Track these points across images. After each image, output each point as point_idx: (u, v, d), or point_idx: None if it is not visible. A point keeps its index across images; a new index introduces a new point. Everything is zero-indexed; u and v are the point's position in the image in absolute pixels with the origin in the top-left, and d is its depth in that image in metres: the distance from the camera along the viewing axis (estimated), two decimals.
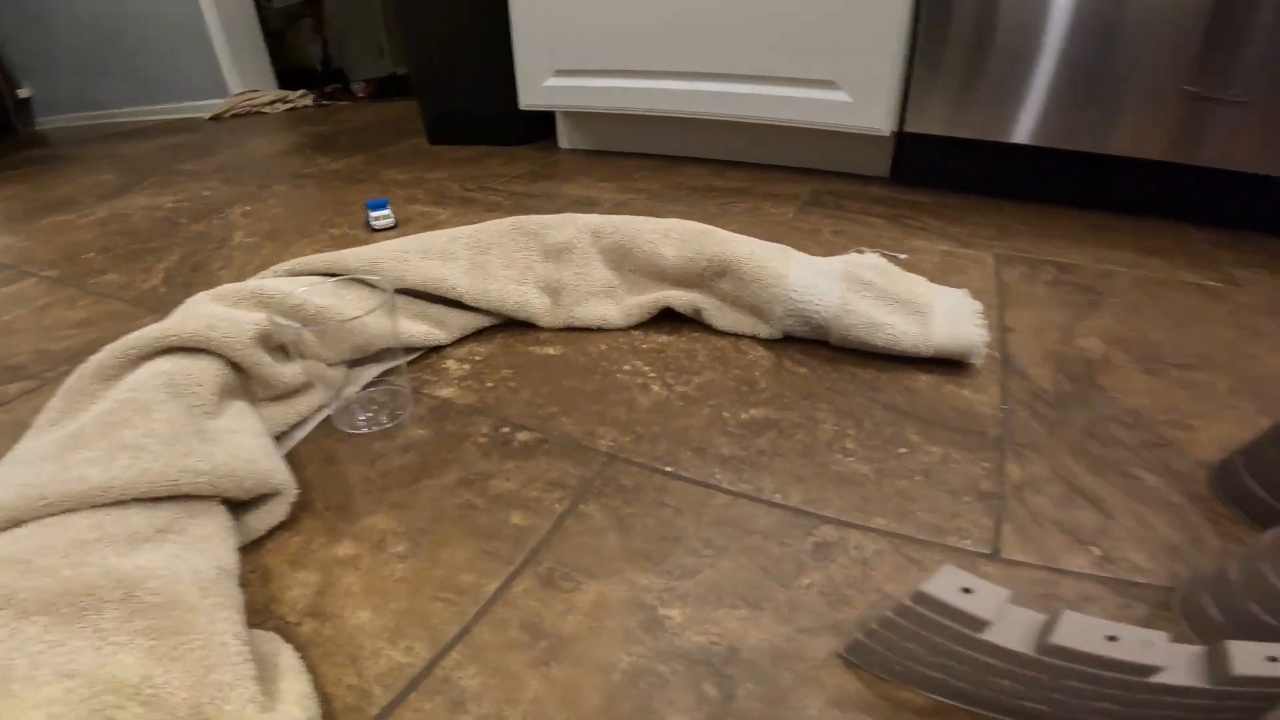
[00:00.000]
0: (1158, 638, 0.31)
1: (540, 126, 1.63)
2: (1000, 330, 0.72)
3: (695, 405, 0.62)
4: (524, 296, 0.71)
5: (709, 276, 0.70)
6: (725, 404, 0.62)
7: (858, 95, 1.09)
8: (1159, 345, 0.71)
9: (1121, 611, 0.43)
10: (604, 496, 0.52)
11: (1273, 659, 0.30)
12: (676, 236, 0.71)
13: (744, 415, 0.60)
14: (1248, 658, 0.30)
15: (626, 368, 0.67)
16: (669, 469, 0.54)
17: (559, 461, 0.56)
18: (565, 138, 1.55)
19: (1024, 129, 1.07)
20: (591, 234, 0.74)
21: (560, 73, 1.35)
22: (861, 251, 0.86)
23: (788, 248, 0.73)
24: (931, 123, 1.10)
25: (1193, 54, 0.96)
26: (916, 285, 0.67)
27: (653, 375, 0.66)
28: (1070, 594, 0.44)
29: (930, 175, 1.25)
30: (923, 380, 0.63)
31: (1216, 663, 0.31)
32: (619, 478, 0.54)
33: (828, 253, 0.87)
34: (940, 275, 0.85)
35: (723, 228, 0.74)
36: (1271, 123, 0.97)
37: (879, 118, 1.10)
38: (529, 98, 1.42)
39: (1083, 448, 0.56)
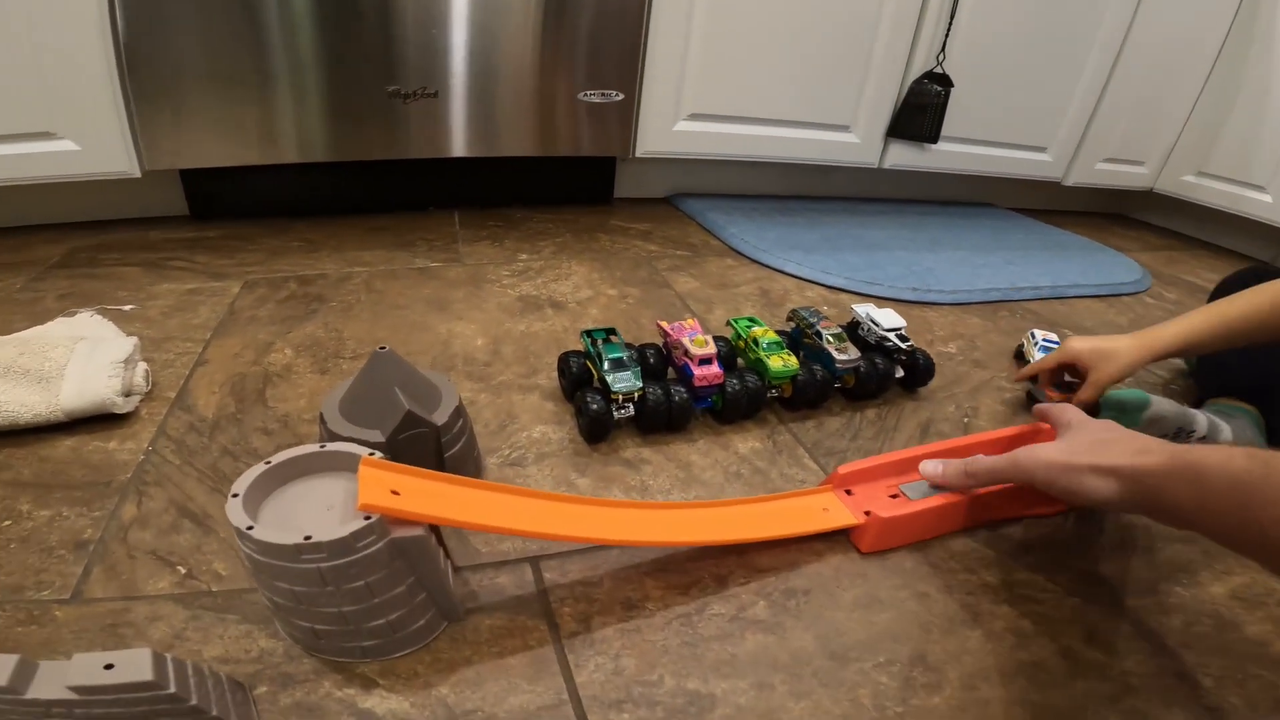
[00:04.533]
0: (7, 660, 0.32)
1: None
2: (193, 366, 0.74)
3: None
4: None
5: None
6: None
7: (85, 141, 1.00)
8: (349, 342, 0.80)
9: (188, 620, 0.46)
10: None
11: (109, 666, 0.34)
12: None
13: None
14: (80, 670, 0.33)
15: None
16: None
17: None
18: None
19: (277, 149, 1.11)
20: None
21: None
22: (73, 313, 0.80)
23: None
24: (179, 157, 1.07)
25: (391, 57, 1.10)
26: (54, 352, 0.64)
27: None
28: (141, 617, 0.46)
29: (228, 206, 1.23)
30: (65, 445, 0.60)
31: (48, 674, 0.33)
32: None
33: (38, 321, 0.78)
34: (169, 315, 0.83)
35: None
36: (458, 109, 1.17)
37: (118, 160, 1.03)
38: None
39: (216, 468, 0.60)
